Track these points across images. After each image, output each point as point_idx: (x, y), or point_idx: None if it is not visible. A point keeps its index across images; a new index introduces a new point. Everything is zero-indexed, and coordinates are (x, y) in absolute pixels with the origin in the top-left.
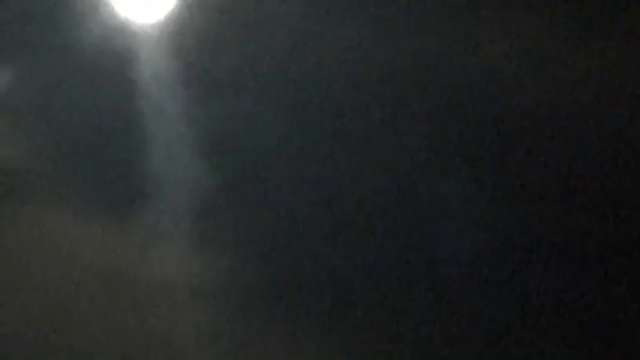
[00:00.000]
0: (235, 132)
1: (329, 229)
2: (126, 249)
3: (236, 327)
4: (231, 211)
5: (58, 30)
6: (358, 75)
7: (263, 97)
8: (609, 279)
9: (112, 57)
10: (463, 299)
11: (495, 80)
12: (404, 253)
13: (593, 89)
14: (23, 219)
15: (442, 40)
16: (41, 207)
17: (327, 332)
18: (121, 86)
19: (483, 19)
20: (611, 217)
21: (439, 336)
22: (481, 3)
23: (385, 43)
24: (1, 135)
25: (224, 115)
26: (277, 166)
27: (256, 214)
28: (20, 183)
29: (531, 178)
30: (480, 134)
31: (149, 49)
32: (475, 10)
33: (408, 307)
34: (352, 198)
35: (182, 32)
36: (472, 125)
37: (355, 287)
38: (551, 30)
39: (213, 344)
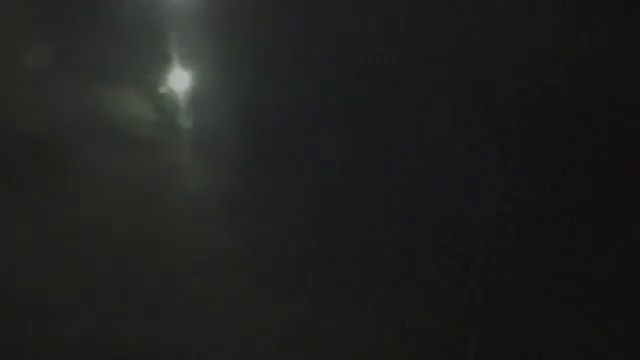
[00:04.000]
0: (268, 104)
1: (359, 200)
2: (165, 220)
3: (267, 295)
4: (265, 181)
5: (96, 5)
6: (389, 48)
7: (296, 69)
8: (633, 249)
9: (148, 31)
10: (489, 268)
11: (520, 53)
12: (432, 223)
13: (617, 61)
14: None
15: (468, 14)
16: (83, 179)
17: (357, 300)
18: (157, 59)
19: None
20: (636, 188)
21: (466, 303)
22: None
23: (414, 17)
24: (40, 106)
25: (258, 87)
26: (309, 137)
27: (290, 184)
28: (60, 154)
29: (556, 149)
30: (506, 106)
31: (184, 24)
32: None
33: (436, 276)
34: (382, 170)
35: (216, 7)
36: (498, 97)
37: (385, 256)
38: (575, 3)
39: (246, 312)
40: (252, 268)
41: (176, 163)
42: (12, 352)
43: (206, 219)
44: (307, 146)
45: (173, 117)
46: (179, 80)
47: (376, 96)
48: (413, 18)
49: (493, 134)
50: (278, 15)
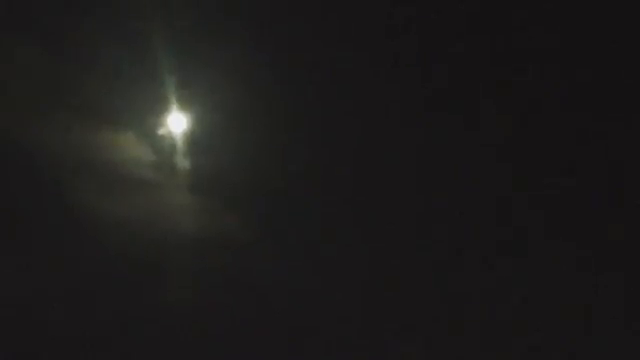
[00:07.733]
0: (265, 145)
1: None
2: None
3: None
4: (263, 222)
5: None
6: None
7: (293, 111)
8: None
9: (147, 75)
10: None
11: None
12: None
13: None
14: None
15: None
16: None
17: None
18: (155, 102)
19: None
20: None
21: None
22: None
23: None
24: None
25: (255, 129)
26: (308, 177)
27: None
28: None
29: None
30: None
31: (182, 67)
32: None
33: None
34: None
35: (213, 50)
36: None
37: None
38: None
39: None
40: (250, 309)
41: (174, 204)
42: None
43: (205, 259)
44: (306, 186)
45: (171, 159)
46: (177, 122)
47: (377, 138)
48: None
49: None
50: (274, 57)
